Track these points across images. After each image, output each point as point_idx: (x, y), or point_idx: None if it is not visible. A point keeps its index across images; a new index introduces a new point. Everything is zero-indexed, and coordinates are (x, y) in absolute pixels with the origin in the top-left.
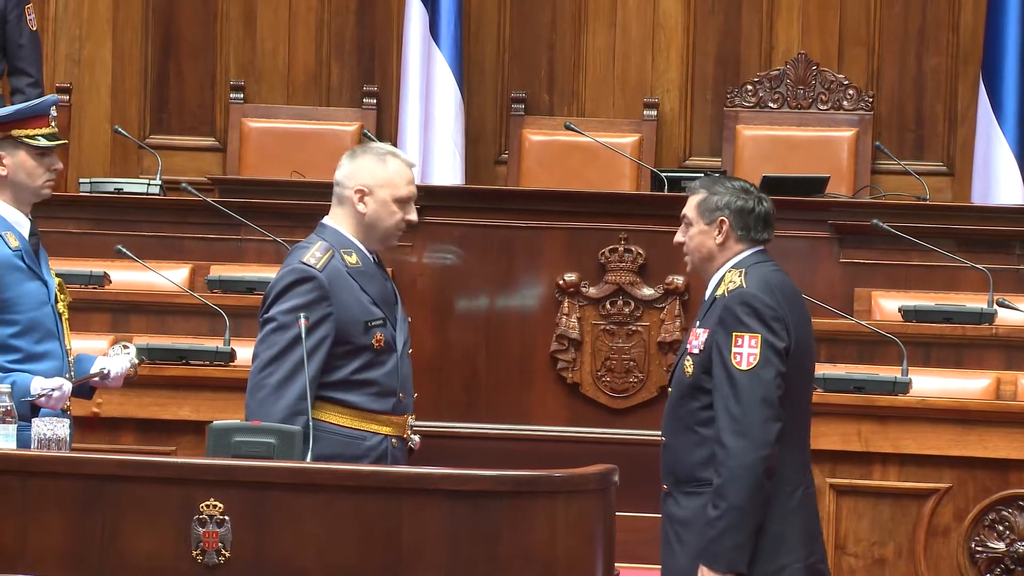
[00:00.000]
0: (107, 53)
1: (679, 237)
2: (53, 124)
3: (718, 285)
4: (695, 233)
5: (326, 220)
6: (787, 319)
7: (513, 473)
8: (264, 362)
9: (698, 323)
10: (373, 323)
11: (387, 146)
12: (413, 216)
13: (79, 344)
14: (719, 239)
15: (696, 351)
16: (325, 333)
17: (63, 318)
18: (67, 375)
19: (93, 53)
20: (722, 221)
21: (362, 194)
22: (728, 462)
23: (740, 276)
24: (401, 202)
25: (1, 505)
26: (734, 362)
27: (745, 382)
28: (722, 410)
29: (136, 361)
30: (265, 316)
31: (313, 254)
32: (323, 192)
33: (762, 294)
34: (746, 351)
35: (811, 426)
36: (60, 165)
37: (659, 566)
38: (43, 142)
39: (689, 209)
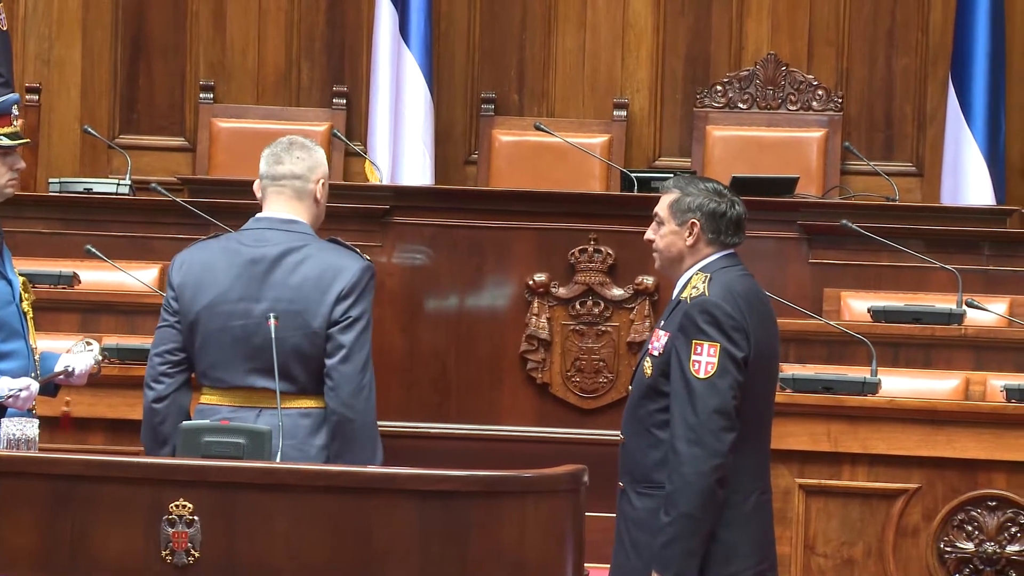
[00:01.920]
0: (76, 53)
1: (649, 234)
2: (15, 123)
3: (684, 288)
4: (666, 233)
5: (292, 215)
6: (748, 328)
7: (483, 473)
8: (363, 362)
9: (662, 323)
10: None
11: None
12: None
13: (50, 344)
14: (689, 241)
15: (656, 353)
16: None
17: (28, 317)
18: (33, 374)
19: (62, 53)
20: (693, 223)
21: (323, 182)
22: (680, 469)
23: (704, 283)
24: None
25: None
26: (692, 370)
27: (701, 391)
28: (677, 417)
29: (100, 358)
30: (355, 316)
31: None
32: None
33: (724, 303)
34: (704, 360)
35: (781, 426)
36: (23, 164)
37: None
38: (5, 141)
39: (661, 208)
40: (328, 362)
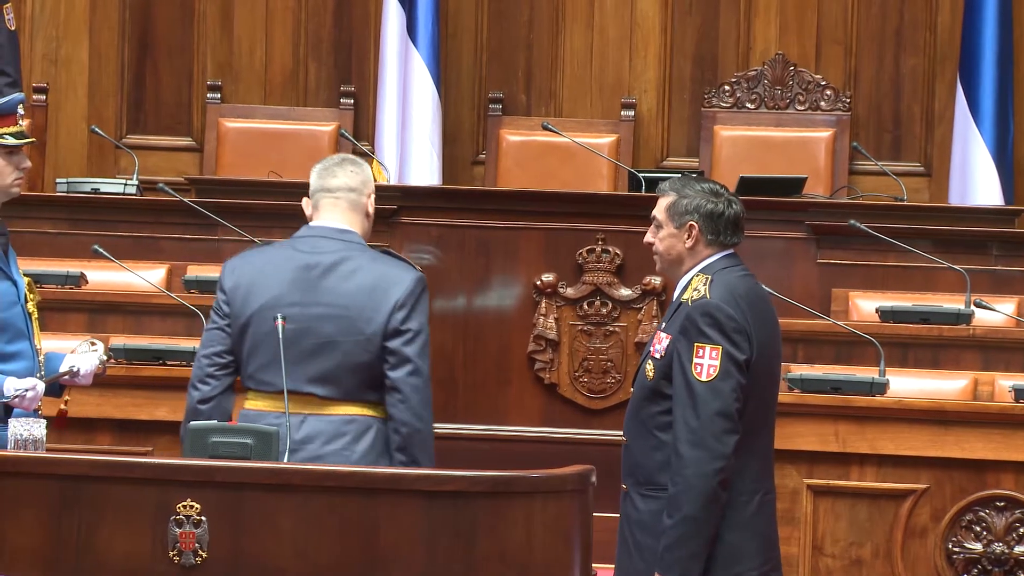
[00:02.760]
0: (84, 53)
1: (649, 238)
2: (21, 123)
3: (684, 289)
4: (664, 236)
5: (345, 225)
6: (750, 329)
7: (490, 474)
8: (427, 374)
9: (663, 325)
10: None
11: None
12: None
13: (56, 344)
14: (688, 243)
15: (658, 355)
16: None
17: (33, 318)
18: (38, 374)
19: (70, 53)
20: (691, 225)
21: (371, 200)
22: (683, 472)
23: (705, 284)
24: None
25: None
26: (694, 373)
27: (704, 393)
28: (680, 420)
29: (104, 358)
30: (415, 328)
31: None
32: (300, 192)
33: (725, 305)
34: (706, 362)
35: (789, 426)
36: (29, 163)
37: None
38: (11, 140)
39: (659, 211)
40: (393, 375)
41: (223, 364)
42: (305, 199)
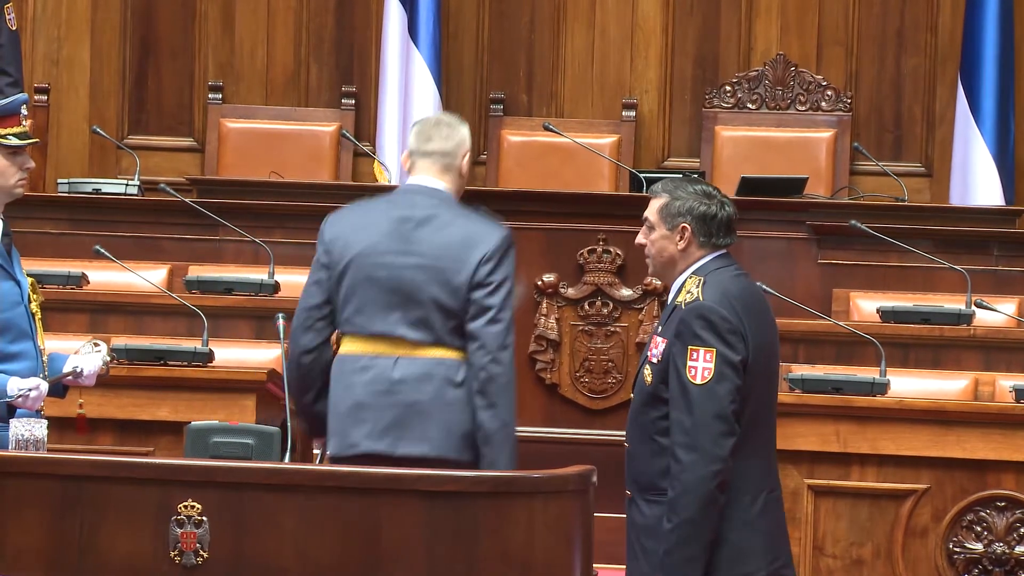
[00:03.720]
0: (85, 53)
1: (640, 239)
2: (24, 123)
3: (678, 292)
4: (657, 238)
5: (439, 183)
6: (744, 331)
7: (491, 474)
8: (508, 323)
9: (659, 329)
10: None
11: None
12: None
13: (58, 344)
14: (681, 245)
15: (655, 360)
16: None
17: (36, 318)
18: (41, 375)
19: (71, 53)
20: (684, 227)
21: (466, 158)
22: (680, 476)
23: (698, 287)
24: None
25: None
26: (689, 376)
27: (699, 396)
28: (676, 423)
29: (108, 359)
30: (498, 280)
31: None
32: (301, 193)
33: (719, 307)
34: (701, 365)
35: (790, 426)
36: (32, 164)
37: None
38: (14, 141)
39: (651, 213)
40: (474, 324)
41: (323, 316)
42: (404, 153)
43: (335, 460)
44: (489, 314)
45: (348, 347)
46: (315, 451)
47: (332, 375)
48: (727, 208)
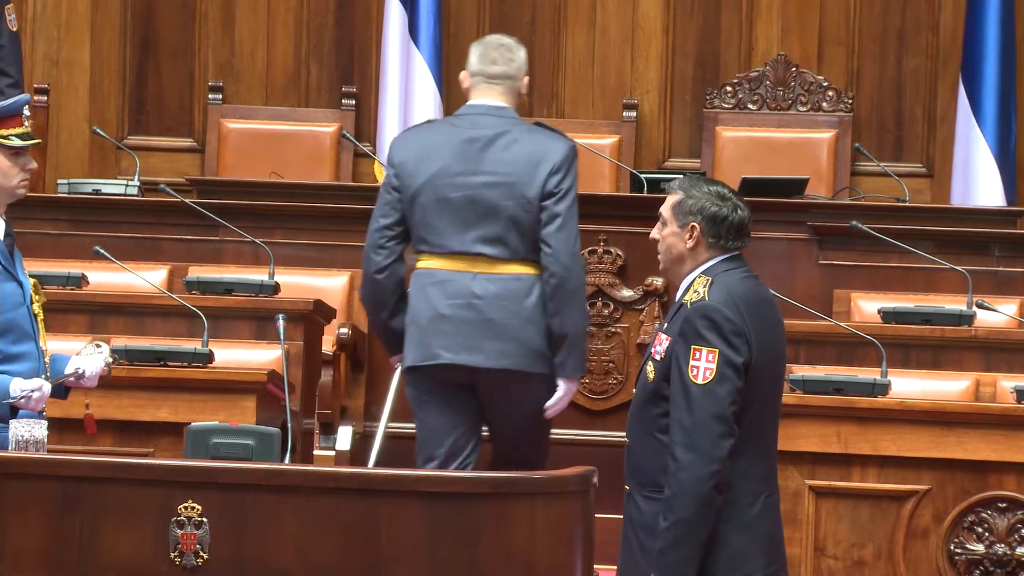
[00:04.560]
0: (85, 54)
1: (654, 234)
2: (27, 123)
3: (686, 291)
4: (668, 234)
5: (502, 103)
6: (748, 333)
7: (492, 475)
8: (575, 229)
9: (664, 327)
10: None
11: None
12: None
13: (58, 345)
14: (690, 243)
15: (658, 357)
16: None
17: (38, 319)
18: (43, 376)
19: (71, 54)
20: (693, 226)
21: (526, 80)
22: (678, 475)
23: (705, 287)
24: None
25: None
26: (690, 375)
27: (700, 396)
28: (676, 422)
29: (110, 360)
30: (566, 188)
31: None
32: (302, 194)
33: (724, 307)
34: (703, 365)
35: (791, 427)
36: (34, 164)
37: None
38: (16, 142)
39: (665, 209)
40: (544, 231)
41: (394, 235)
42: (464, 73)
43: (414, 370)
44: (558, 221)
45: (427, 263)
46: (395, 367)
47: (411, 289)
48: (740, 211)
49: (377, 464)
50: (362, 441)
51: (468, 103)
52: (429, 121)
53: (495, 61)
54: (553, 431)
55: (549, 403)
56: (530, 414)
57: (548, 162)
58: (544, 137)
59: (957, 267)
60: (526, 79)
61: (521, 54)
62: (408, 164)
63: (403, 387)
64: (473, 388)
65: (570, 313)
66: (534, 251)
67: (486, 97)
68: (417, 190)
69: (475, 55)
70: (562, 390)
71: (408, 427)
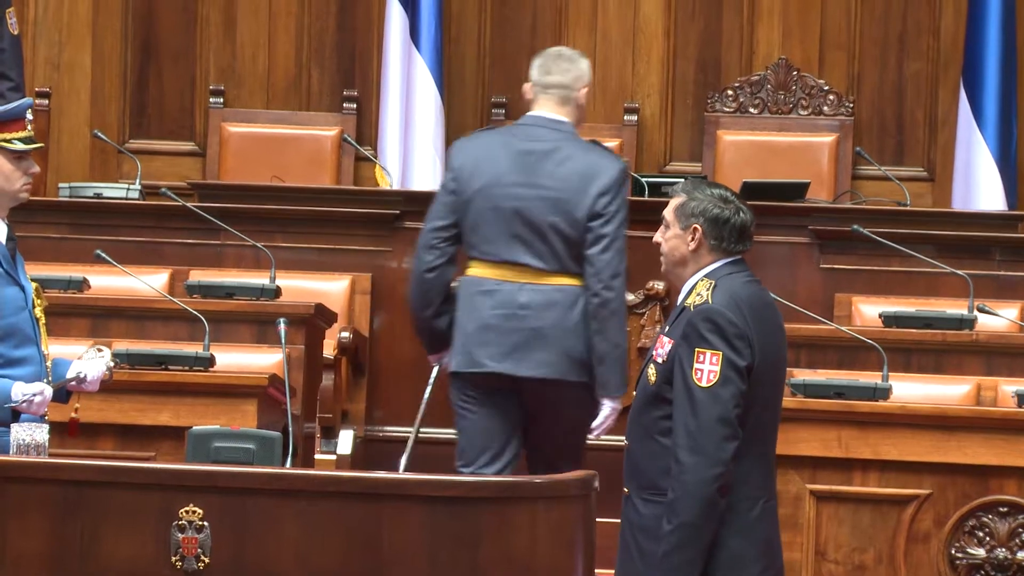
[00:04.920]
0: (87, 58)
1: (657, 237)
2: (29, 127)
3: (688, 294)
4: (670, 236)
5: (559, 116)
6: (751, 336)
7: (493, 479)
8: (621, 251)
9: (666, 329)
10: None
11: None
12: None
13: (59, 349)
14: (692, 246)
15: (660, 360)
16: None
17: (40, 323)
18: (45, 380)
19: (73, 58)
20: (695, 228)
21: (584, 93)
22: (681, 477)
23: (708, 290)
24: None
25: None
26: (694, 378)
27: (703, 399)
28: (679, 425)
29: (111, 364)
30: (614, 211)
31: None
32: (303, 197)
33: (727, 311)
34: (707, 368)
35: (792, 431)
36: (37, 168)
37: None
38: (19, 146)
39: (668, 211)
40: (590, 251)
41: (447, 236)
42: (527, 85)
43: (458, 376)
44: (603, 242)
45: (474, 271)
46: (433, 366)
47: (459, 296)
48: (742, 215)
49: (408, 468)
50: (363, 445)
51: (528, 114)
52: (489, 128)
53: (550, 72)
54: None
55: (595, 424)
56: (572, 423)
57: (598, 183)
58: (597, 156)
59: (958, 271)
60: (584, 90)
61: (580, 65)
62: (465, 169)
63: (438, 388)
64: (517, 396)
65: (611, 333)
66: (579, 264)
67: (544, 108)
68: (471, 196)
69: (535, 66)
70: (607, 409)
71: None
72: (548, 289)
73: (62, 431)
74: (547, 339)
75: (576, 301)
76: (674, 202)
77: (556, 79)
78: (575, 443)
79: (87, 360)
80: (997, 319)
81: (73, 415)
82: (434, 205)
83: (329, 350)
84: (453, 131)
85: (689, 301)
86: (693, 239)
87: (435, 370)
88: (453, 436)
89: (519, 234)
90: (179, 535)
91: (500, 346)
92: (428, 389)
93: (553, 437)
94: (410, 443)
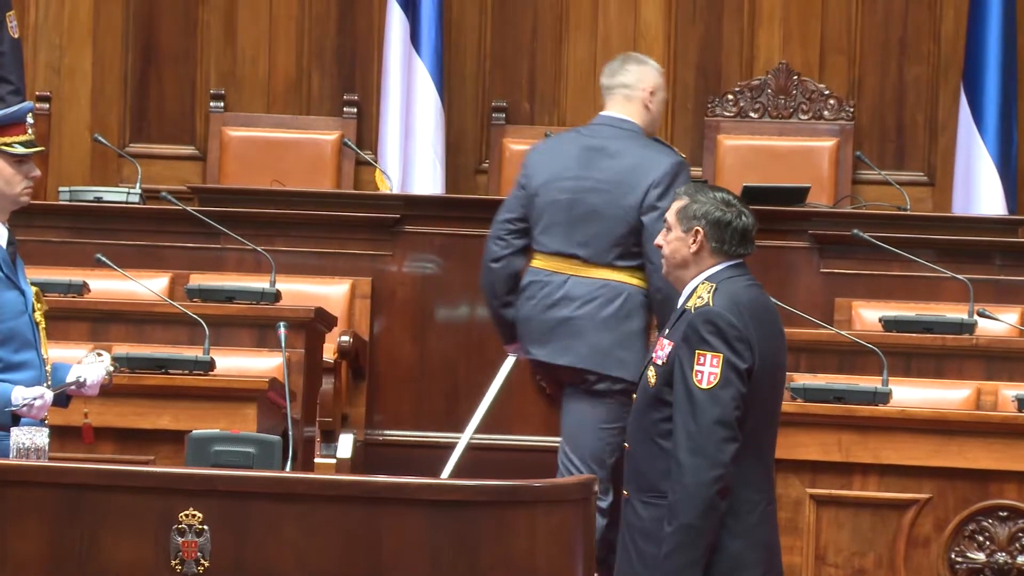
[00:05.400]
0: (87, 61)
1: (658, 240)
2: (30, 131)
3: (689, 297)
4: (672, 239)
5: (624, 115)
6: (752, 339)
7: (493, 483)
8: None
9: (666, 332)
10: None
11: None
12: None
13: (59, 353)
14: (693, 248)
15: (660, 362)
16: None
17: (40, 327)
18: (44, 384)
19: (73, 62)
20: (697, 231)
21: (652, 95)
22: (682, 479)
23: (709, 293)
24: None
25: None
26: (695, 380)
27: (704, 401)
28: (680, 427)
29: (111, 369)
30: (667, 205)
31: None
32: (303, 201)
33: (728, 313)
34: (707, 370)
35: (791, 436)
36: (38, 172)
37: None
38: (20, 149)
39: (671, 214)
40: (647, 247)
41: (514, 229)
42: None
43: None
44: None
45: (535, 262)
46: (509, 355)
47: (520, 287)
48: (744, 218)
49: (454, 474)
50: (363, 449)
51: (599, 114)
52: (570, 130)
53: (614, 73)
54: (555, 439)
55: None
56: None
57: (651, 176)
58: (652, 151)
59: (958, 276)
60: (647, 91)
61: (644, 67)
62: (534, 166)
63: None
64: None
65: None
66: (625, 258)
67: (609, 108)
68: (536, 190)
69: (603, 70)
70: None
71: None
72: (592, 282)
73: (65, 436)
74: (579, 330)
75: (617, 297)
76: (676, 205)
77: (619, 80)
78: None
79: (87, 364)
80: (997, 323)
81: (85, 420)
82: (506, 199)
83: (329, 354)
84: (453, 135)
85: (690, 304)
86: (695, 242)
87: (509, 360)
88: (503, 442)
89: (571, 226)
90: (179, 539)
91: (541, 334)
92: (498, 382)
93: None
94: (461, 446)
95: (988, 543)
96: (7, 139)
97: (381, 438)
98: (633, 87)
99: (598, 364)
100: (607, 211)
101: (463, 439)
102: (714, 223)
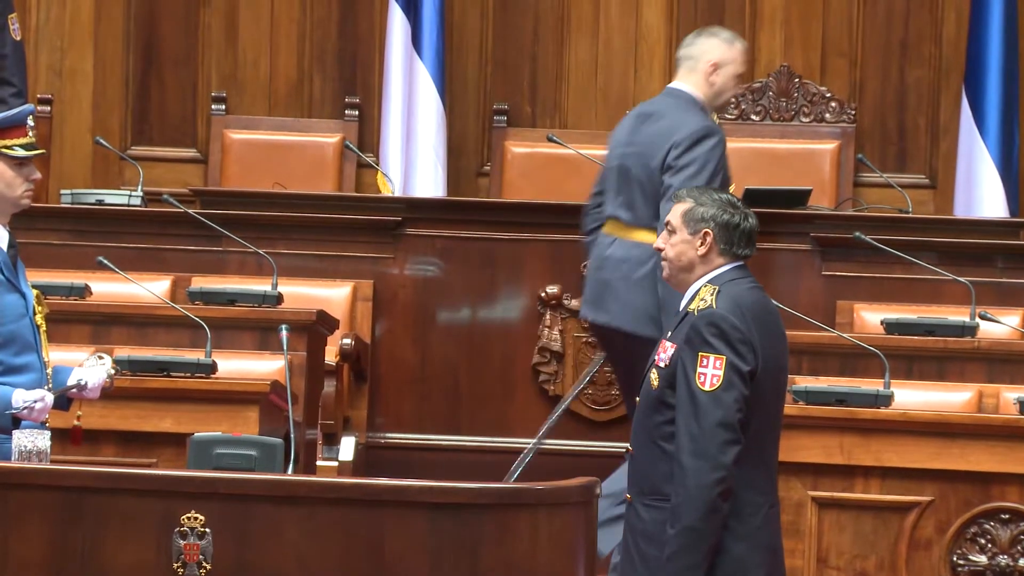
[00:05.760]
0: (88, 64)
1: (659, 243)
2: (31, 134)
3: (691, 299)
4: (677, 241)
5: (681, 86)
6: (755, 341)
7: (494, 486)
8: None
9: (669, 334)
10: None
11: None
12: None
13: (61, 356)
14: (701, 251)
15: (663, 364)
16: None
17: (41, 330)
18: (45, 387)
19: (74, 64)
20: (706, 233)
21: (715, 68)
22: (684, 482)
23: (712, 295)
24: (739, 76)
25: None
26: (697, 382)
27: (706, 403)
28: (682, 429)
29: (112, 371)
30: (683, 164)
31: (710, 117)
32: (305, 204)
33: (731, 315)
34: (710, 372)
35: (793, 438)
36: (39, 175)
37: None
38: (20, 152)
39: (674, 216)
40: (663, 205)
41: (595, 204)
42: None
43: None
44: (668, 194)
45: (602, 228)
46: None
47: None
48: (750, 220)
49: (516, 476)
50: (365, 452)
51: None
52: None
53: (684, 45)
54: (555, 442)
55: None
56: (636, 372)
57: (675, 136)
58: (687, 115)
59: (960, 278)
60: (710, 63)
61: (710, 40)
62: (610, 139)
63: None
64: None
65: None
66: (657, 219)
67: (677, 80)
68: (607, 160)
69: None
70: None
71: (408, 437)
72: (629, 244)
73: (64, 439)
74: (614, 291)
75: (650, 258)
76: (679, 207)
77: (685, 51)
78: None
79: (88, 367)
80: (999, 326)
81: (76, 423)
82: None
83: (331, 357)
84: (455, 138)
85: (692, 306)
86: (703, 244)
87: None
88: (504, 445)
89: (617, 191)
90: (181, 542)
91: (590, 295)
92: (591, 369)
93: (629, 384)
94: (532, 448)
95: (990, 546)
96: (7, 141)
97: (383, 441)
98: (697, 59)
99: (630, 323)
100: (640, 174)
101: (554, 415)
102: (723, 225)
